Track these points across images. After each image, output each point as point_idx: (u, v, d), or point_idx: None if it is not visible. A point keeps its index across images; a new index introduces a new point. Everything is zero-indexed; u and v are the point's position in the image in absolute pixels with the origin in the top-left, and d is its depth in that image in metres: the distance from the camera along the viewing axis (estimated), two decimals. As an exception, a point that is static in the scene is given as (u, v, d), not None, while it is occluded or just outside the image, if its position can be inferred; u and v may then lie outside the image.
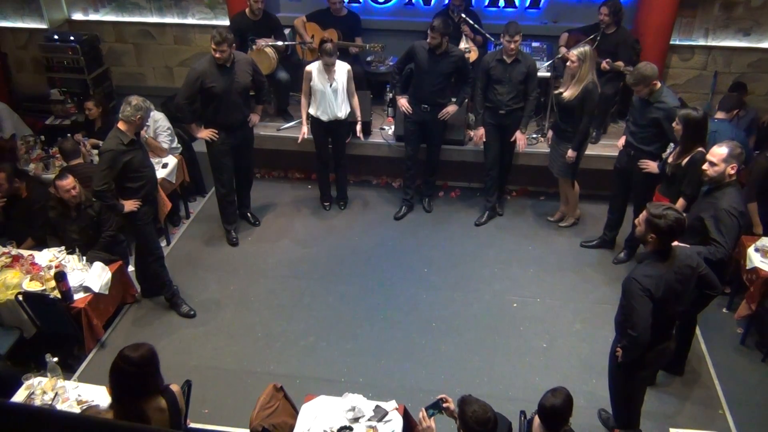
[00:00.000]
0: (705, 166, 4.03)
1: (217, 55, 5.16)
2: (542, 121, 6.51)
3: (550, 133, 5.94)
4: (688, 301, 3.64)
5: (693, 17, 6.88)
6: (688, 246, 3.81)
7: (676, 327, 3.74)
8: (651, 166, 4.99)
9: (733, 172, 3.94)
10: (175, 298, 5.20)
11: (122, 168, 4.59)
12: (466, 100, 6.02)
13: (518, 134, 5.77)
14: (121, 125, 4.57)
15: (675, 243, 3.87)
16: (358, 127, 5.97)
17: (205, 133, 5.51)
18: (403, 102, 5.87)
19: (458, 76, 5.76)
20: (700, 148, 4.42)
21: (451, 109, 5.81)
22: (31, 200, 5.32)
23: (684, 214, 3.44)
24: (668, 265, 3.38)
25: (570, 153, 5.47)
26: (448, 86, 5.79)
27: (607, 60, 5.94)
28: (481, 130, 5.81)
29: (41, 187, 5.57)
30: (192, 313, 5.18)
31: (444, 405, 3.23)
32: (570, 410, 3.12)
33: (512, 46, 5.40)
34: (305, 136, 5.96)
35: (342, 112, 5.84)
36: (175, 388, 3.21)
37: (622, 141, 5.35)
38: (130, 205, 4.72)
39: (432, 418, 3.19)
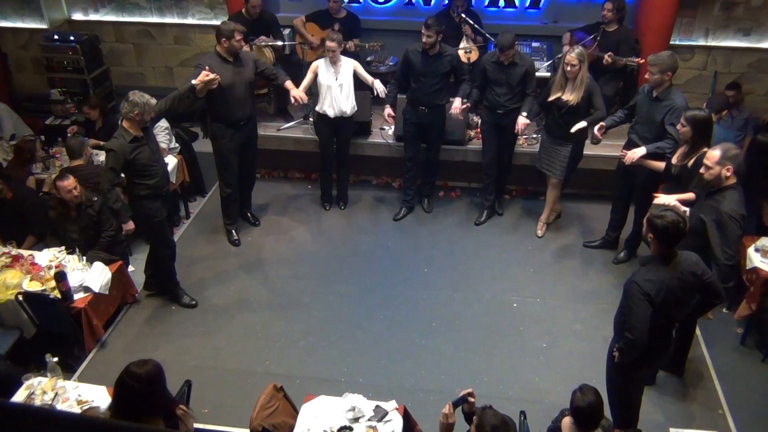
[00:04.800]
0: (701, 170, 4.02)
1: (235, 44, 5.20)
2: (542, 121, 6.49)
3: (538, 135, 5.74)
4: (690, 308, 3.63)
5: (693, 17, 6.88)
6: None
7: (675, 328, 3.74)
8: (638, 153, 4.84)
9: (729, 174, 3.91)
10: (177, 289, 5.23)
11: (131, 164, 4.61)
12: (466, 102, 5.99)
13: (520, 118, 5.50)
14: (124, 123, 4.60)
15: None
16: (377, 85, 5.69)
17: (201, 75, 4.97)
18: (388, 112, 5.79)
19: (455, 75, 5.75)
20: (705, 149, 4.40)
21: (457, 102, 5.68)
22: (18, 200, 5.26)
23: (686, 217, 3.41)
24: (671, 270, 3.35)
25: (597, 127, 5.16)
26: (445, 87, 5.77)
27: (610, 53, 5.91)
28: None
29: (23, 185, 5.54)
30: (194, 303, 5.22)
31: (470, 400, 3.20)
32: (602, 404, 3.10)
33: (501, 58, 5.46)
34: (305, 101, 5.76)
35: (348, 107, 5.84)
36: (181, 412, 3.09)
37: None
38: (129, 227, 4.88)
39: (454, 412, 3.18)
